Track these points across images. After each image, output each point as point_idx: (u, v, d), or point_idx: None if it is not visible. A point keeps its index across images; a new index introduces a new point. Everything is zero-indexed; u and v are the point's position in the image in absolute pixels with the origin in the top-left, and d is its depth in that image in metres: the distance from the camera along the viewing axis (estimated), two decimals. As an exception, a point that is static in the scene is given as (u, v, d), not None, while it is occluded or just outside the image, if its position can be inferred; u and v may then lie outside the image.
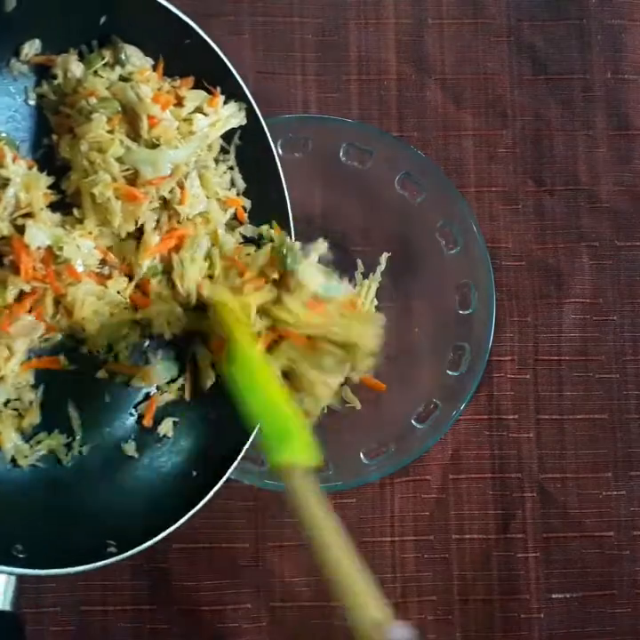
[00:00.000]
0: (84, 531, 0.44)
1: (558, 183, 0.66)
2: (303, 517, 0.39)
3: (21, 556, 0.39)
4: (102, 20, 0.46)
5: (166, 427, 0.50)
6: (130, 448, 0.49)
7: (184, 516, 0.45)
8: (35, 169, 0.46)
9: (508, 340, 0.63)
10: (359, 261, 0.62)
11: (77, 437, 0.47)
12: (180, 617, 0.59)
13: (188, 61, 0.49)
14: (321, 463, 0.43)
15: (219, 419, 0.50)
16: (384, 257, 0.61)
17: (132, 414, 0.50)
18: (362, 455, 0.57)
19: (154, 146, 0.48)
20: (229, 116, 0.51)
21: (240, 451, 0.49)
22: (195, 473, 0.49)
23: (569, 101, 0.66)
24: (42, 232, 0.44)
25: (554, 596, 0.61)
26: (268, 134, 0.52)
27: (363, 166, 0.60)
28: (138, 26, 0.47)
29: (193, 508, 0.46)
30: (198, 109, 0.50)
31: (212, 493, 0.47)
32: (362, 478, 0.56)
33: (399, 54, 0.66)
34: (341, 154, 0.60)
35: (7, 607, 0.43)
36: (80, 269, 0.46)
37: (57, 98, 0.48)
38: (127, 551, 0.43)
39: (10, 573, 0.39)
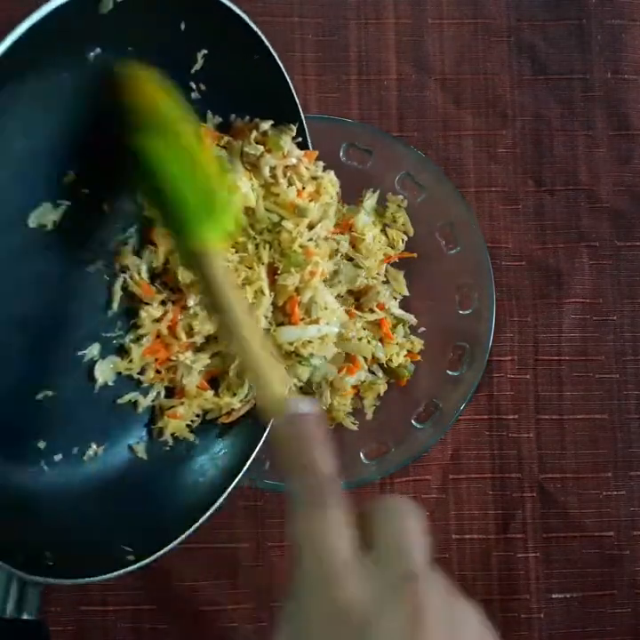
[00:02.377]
0: (104, 537, 0.44)
1: (558, 183, 0.66)
2: (215, 299, 0.38)
3: (50, 563, 0.39)
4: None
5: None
6: (140, 450, 0.49)
7: (192, 525, 0.45)
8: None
9: (508, 340, 0.64)
10: (359, 261, 0.62)
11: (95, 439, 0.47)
12: (179, 617, 0.59)
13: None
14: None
15: (227, 428, 0.51)
16: (384, 257, 0.61)
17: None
18: (362, 455, 0.57)
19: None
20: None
21: (248, 457, 0.49)
22: (201, 479, 0.49)
23: (569, 101, 0.66)
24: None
25: (554, 596, 0.61)
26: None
27: (363, 166, 0.60)
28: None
29: (203, 515, 0.46)
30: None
31: (220, 501, 0.47)
32: (362, 478, 0.56)
33: (399, 54, 0.66)
34: (341, 154, 0.60)
35: (33, 616, 0.43)
36: None
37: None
38: (144, 559, 0.43)
39: (43, 583, 0.39)
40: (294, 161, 0.48)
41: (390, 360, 0.59)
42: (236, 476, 0.49)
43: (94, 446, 0.47)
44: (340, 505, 0.31)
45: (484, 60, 0.66)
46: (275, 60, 0.47)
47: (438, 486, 0.62)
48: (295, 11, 0.65)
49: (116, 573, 0.42)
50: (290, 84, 0.48)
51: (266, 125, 0.48)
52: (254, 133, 0.48)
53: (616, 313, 0.65)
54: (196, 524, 0.46)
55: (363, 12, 0.66)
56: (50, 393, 0.43)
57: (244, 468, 0.49)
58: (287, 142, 0.48)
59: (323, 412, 0.33)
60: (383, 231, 0.61)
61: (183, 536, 0.45)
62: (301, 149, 0.50)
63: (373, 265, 0.59)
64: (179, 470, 0.49)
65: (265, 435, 0.50)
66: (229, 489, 0.48)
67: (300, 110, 0.50)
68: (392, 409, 0.60)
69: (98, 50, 0.40)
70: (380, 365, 0.60)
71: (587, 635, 0.61)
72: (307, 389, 0.58)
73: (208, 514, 0.47)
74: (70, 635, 0.58)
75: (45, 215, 0.41)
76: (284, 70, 0.48)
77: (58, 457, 0.44)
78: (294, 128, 0.49)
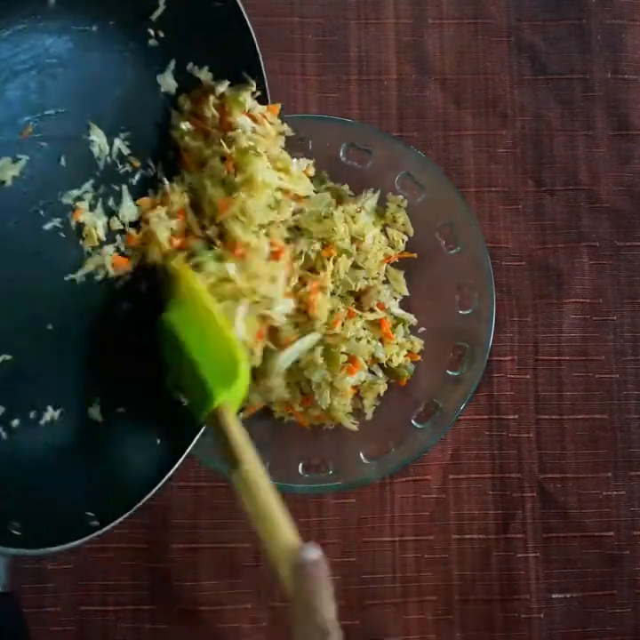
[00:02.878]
0: (67, 503, 0.43)
1: (558, 183, 0.66)
2: (232, 454, 0.42)
3: (17, 533, 0.39)
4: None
5: None
6: (95, 412, 0.48)
7: (155, 486, 0.45)
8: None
9: (508, 340, 0.63)
10: (359, 261, 0.62)
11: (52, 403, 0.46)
12: (180, 617, 0.59)
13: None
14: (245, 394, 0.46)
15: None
16: (384, 257, 0.61)
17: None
18: (362, 455, 0.57)
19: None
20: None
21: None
22: (158, 441, 0.48)
23: (569, 101, 0.66)
24: None
25: (554, 596, 0.61)
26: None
27: (363, 166, 0.60)
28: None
29: (162, 478, 0.46)
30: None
31: (180, 460, 0.47)
32: (362, 478, 0.56)
33: (399, 54, 0.66)
34: (341, 154, 0.60)
35: (5, 589, 0.43)
36: None
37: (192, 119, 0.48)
38: (108, 524, 0.42)
39: (15, 554, 0.39)
40: (265, 130, 0.47)
41: (390, 360, 0.59)
42: (194, 436, 0.48)
43: (51, 410, 0.46)
44: None
45: (484, 60, 0.66)
46: (238, 6, 0.46)
47: (438, 486, 0.62)
48: (295, 11, 0.65)
49: (82, 540, 0.41)
50: (252, 33, 0.47)
51: (222, 87, 0.47)
52: (212, 98, 0.47)
53: (616, 313, 0.65)
54: (158, 486, 0.45)
55: (363, 11, 0.66)
56: (7, 356, 0.43)
57: (203, 428, 0.48)
58: (247, 98, 0.47)
59: (325, 558, 0.38)
60: (383, 231, 0.61)
61: (146, 497, 0.45)
62: (263, 104, 0.48)
63: (373, 265, 0.59)
64: (136, 431, 0.48)
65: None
66: (188, 448, 0.48)
67: (262, 61, 0.48)
68: (392, 409, 0.60)
69: None
70: (380, 365, 0.60)
71: (587, 635, 0.61)
72: (307, 390, 0.58)
73: (169, 474, 0.46)
74: (70, 635, 0.58)
75: (4, 170, 0.40)
76: (246, 18, 0.46)
77: (15, 423, 0.44)
78: (254, 83, 0.48)
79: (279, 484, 0.54)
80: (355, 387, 0.59)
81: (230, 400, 0.44)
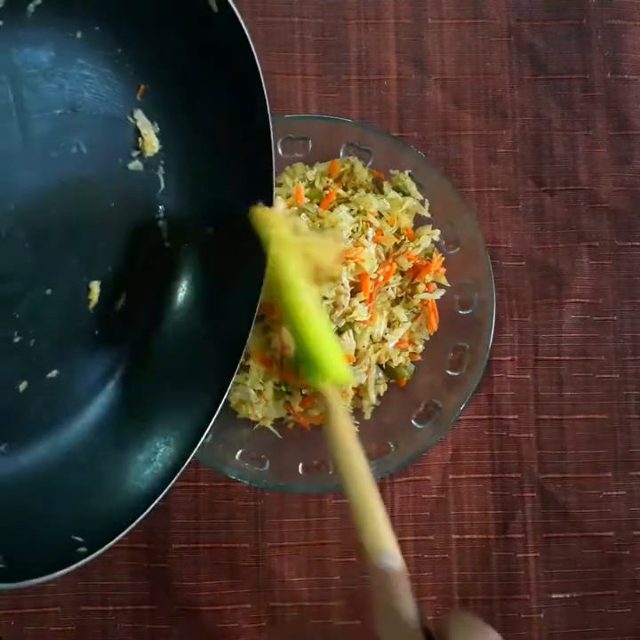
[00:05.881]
0: (55, 528, 0.42)
1: (558, 183, 0.66)
2: (336, 439, 0.45)
3: (2, 566, 0.38)
4: None
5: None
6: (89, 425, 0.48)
7: (147, 506, 0.44)
8: None
9: (508, 340, 0.64)
10: (359, 261, 0.62)
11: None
12: (180, 617, 0.59)
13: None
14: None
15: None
16: (384, 257, 0.61)
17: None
18: (362, 455, 0.57)
19: None
20: None
21: (200, 435, 0.48)
22: (153, 458, 0.48)
23: (569, 101, 0.66)
24: None
25: (554, 596, 0.61)
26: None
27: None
28: None
29: (155, 499, 0.45)
30: None
31: (173, 481, 0.46)
32: (362, 478, 0.56)
33: (399, 54, 0.66)
34: (341, 154, 0.60)
35: None
36: None
37: None
38: (97, 550, 0.41)
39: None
40: None
41: (390, 360, 0.59)
42: (188, 455, 0.48)
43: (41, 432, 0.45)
44: None
45: (484, 59, 0.66)
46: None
47: (438, 486, 0.62)
48: (295, 11, 0.65)
49: (69, 568, 0.40)
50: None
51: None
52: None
53: (616, 313, 0.65)
54: (152, 505, 0.45)
55: (363, 11, 0.66)
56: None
57: (199, 444, 0.48)
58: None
59: (405, 569, 0.39)
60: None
61: (139, 518, 0.44)
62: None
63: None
64: (129, 449, 0.48)
65: (215, 415, 0.49)
66: (182, 468, 0.47)
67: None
68: (392, 409, 0.60)
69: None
70: (380, 365, 0.60)
71: (587, 635, 0.61)
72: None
73: (163, 493, 0.46)
74: (70, 635, 0.58)
75: None
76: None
77: (2, 447, 0.43)
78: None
79: (279, 484, 0.54)
80: (355, 387, 0.59)
81: (338, 382, 0.48)
